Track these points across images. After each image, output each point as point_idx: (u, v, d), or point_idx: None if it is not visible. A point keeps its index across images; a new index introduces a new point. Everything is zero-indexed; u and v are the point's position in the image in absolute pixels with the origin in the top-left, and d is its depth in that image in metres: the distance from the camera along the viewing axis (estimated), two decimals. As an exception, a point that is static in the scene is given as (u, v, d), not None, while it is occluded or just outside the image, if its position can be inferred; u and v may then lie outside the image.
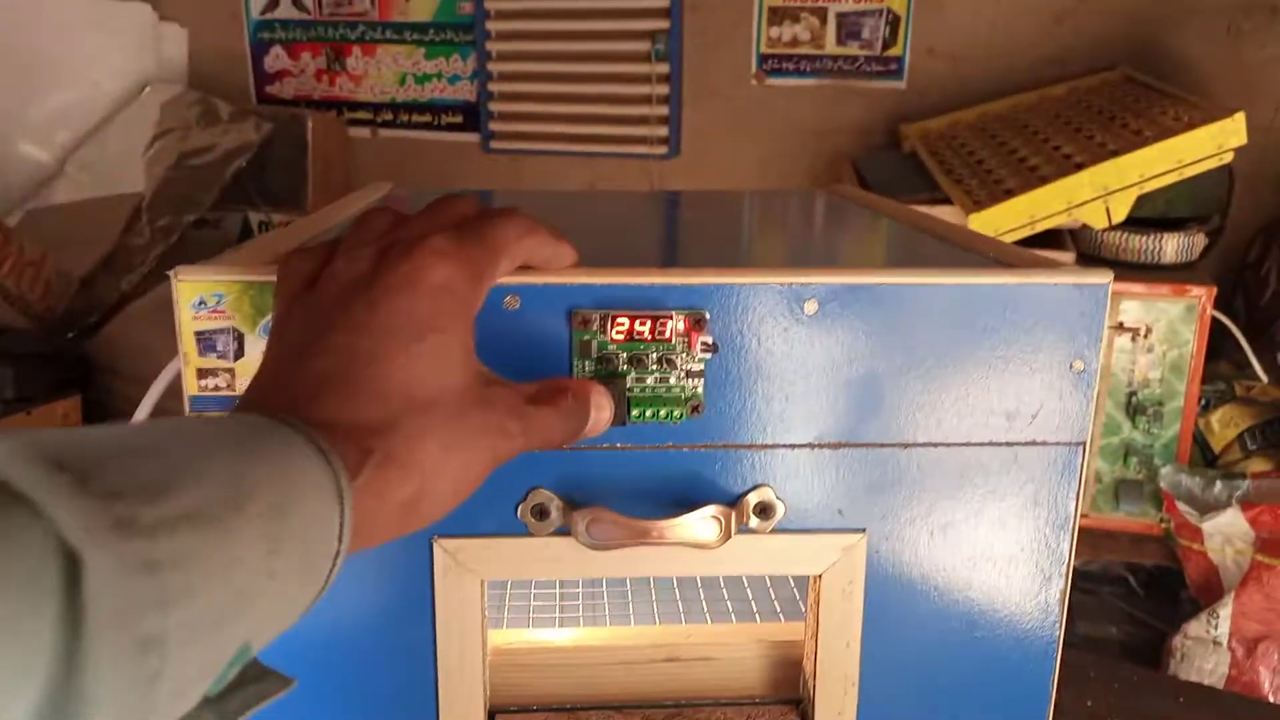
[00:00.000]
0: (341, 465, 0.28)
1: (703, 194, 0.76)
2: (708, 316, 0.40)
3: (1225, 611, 1.44)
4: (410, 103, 2.20)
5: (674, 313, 0.39)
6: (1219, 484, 1.53)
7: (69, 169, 2.20)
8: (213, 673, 0.24)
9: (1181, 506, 1.50)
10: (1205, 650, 1.47)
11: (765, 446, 0.41)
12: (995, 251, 0.46)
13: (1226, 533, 1.48)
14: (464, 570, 0.41)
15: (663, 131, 2.05)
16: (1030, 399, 0.41)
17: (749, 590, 0.58)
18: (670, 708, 0.46)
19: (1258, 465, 1.55)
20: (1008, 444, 0.42)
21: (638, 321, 0.39)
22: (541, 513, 0.41)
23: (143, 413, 0.44)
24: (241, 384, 0.39)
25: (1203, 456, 1.62)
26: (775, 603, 0.57)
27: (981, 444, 0.42)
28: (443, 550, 0.41)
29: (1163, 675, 0.73)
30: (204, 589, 0.23)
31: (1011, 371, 0.41)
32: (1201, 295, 1.50)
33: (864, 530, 0.43)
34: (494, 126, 2.15)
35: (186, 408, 0.39)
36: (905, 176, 1.74)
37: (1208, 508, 1.50)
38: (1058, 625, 0.44)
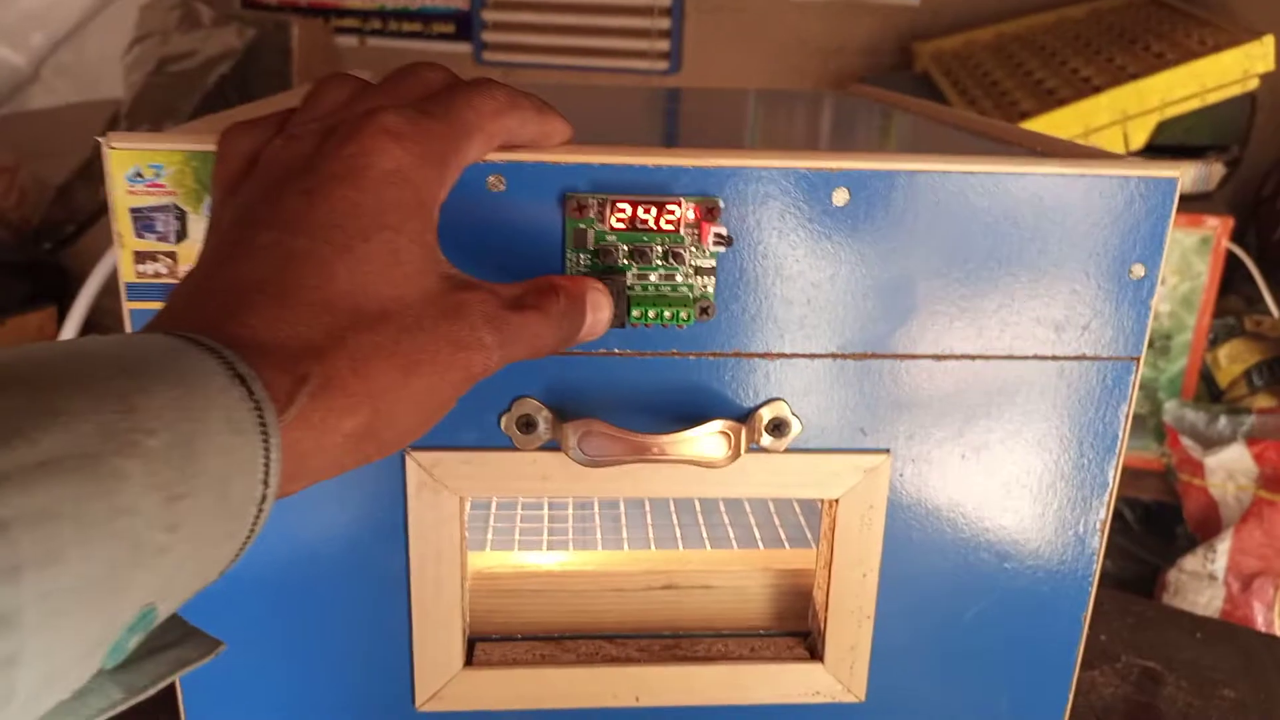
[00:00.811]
0: (267, 394, 0.23)
1: (711, 90, 0.70)
2: (721, 205, 0.34)
3: (1223, 546, 1.43)
4: (400, 10, 2.10)
5: (682, 199, 0.34)
6: (1224, 419, 1.50)
7: (44, 74, 2.11)
8: (102, 645, 0.20)
9: (1185, 441, 1.47)
10: (1200, 585, 1.46)
11: (782, 355, 0.37)
12: (1043, 145, 0.41)
13: (1230, 468, 1.45)
14: (440, 487, 0.37)
15: (663, 45, 1.97)
16: (1082, 308, 0.37)
17: (751, 514, 0.54)
18: (667, 638, 0.42)
19: (1263, 401, 1.52)
20: (1054, 358, 0.37)
21: (641, 208, 0.34)
22: (528, 424, 0.37)
23: (78, 313, 0.39)
24: (185, 270, 0.34)
25: (1208, 392, 1.59)
26: (780, 528, 0.53)
27: (1025, 357, 0.37)
28: (417, 465, 0.37)
29: (1177, 610, 0.70)
30: (77, 549, 0.18)
31: (1063, 277, 0.36)
32: (1217, 227, 1.45)
33: (888, 451, 0.38)
34: (487, 37, 2.06)
35: (123, 297, 0.34)
36: (917, 98, 1.67)
37: (1211, 443, 1.47)
38: (1095, 558, 0.40)
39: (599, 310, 0.33)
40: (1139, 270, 0.36)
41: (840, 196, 0.35)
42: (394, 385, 0.26)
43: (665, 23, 1.95)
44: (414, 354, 0.26)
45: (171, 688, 0.40)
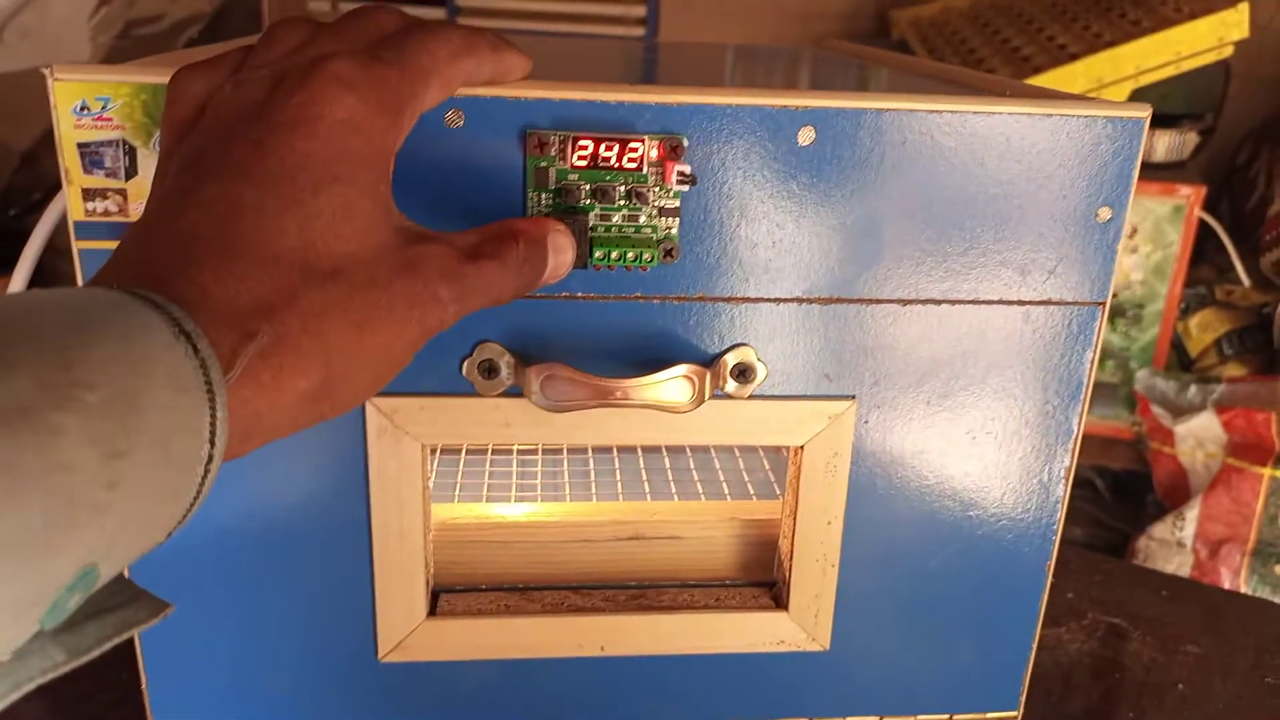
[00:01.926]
0: (212, 352, 0.22)
1: (683, 43, 0.69)
2: (685, 143, 0.34)
3: (1192, 514, 1.45)
4: (373, -26, 2.07)
5: (646, 137, 0.34)
6: (1194, 388, 1.52)
7: (7, 36, 2.06)
8: (39, 604, 0.19)
9: (1155, 409, 1.49)
10: (1169, 551, 1.48)
11: (747, 300, 0.36)
12: (1011, 89, 0.40)
13: (1199, 436, 1.47)
14: (401, 433, 0.36)
15: (640, 11, 1.95)
16: (1048, 252, 0.37)
17: (719, 466, 0.54)
18: (633, 588, 0.42)
19: (1233, 370, 1.54)
20: (1020, 302, 0.37)
21: (603, 145, 0.33)
22: (490, 370, 0.36)
23: (29, 256, 0.38)
24: (135, 208, 0.33)
25: (1179, 361, 1.60)
26: (748, 480, 0.53)
27: (990, 302, 0.37)
28: (377, 411, 0.36)
29: (1144, 569, 0.70)
30: (9, 502, 0.18)
31: (1029, 219, 0.36)
32: (1190, 195, 1.46)
33: (853, 397, 0.38)
34: (460, 2, 2.03)
35: (71, 237, 0.33)
36: (922, 58, 1.66)
37: (1181, 411, 1.49)
38: (1059, 506, 0.40)
39: (561, 253, 0.32)
40: (1105, 213, 0.36)
41: (806, 135, 0.34)
42: (347, 343, 0.25)
43: (642, -12, 1.93)
44: (367, 311, 0.26)
45: (131, 643, 0.39)
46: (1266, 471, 1.40)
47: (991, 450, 0.39)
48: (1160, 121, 1.52)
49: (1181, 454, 1.51)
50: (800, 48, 0.70)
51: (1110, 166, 0.35)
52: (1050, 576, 0.42)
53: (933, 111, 0.34)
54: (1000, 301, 0.37)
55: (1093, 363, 0.38)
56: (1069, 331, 0.38)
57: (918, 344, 0.37)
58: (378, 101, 0.27)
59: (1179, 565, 1.45)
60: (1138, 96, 1.48)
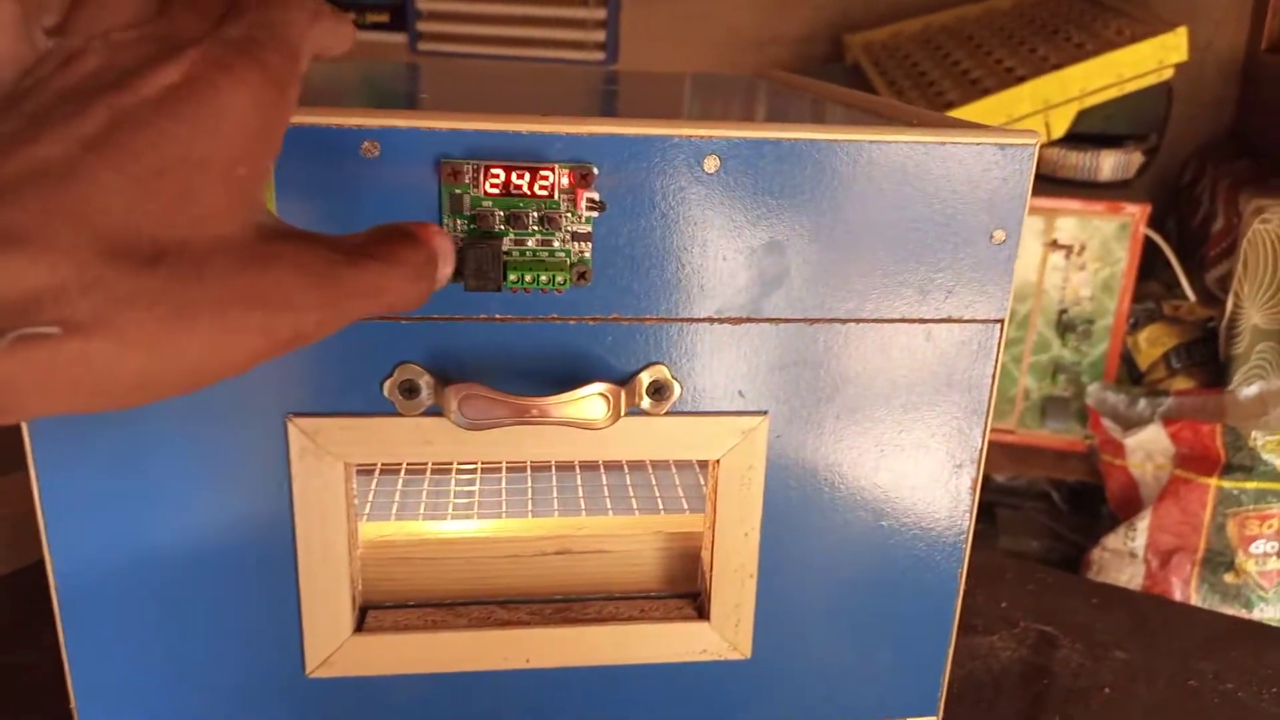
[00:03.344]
0: None
1: (629, 72, 0.71)
2: (595, 171, 0.35)
3: (1143, 525, 1.47)
4: (334, -2, 2.08)
5: (556, 165, 0.35)
6: (1143, 401, 1.55)
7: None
8: None
9: (1106, 423, 1.52)
10: (1121, 562, 1.50)
11: (660, 320, 0.38)
12: (917, 118, 0.42)
13: (1148, 448, 1.50)
14: (324, 453, 0.37)
15: (599, 36, 1.97)
16: (946, 272, 0.38)
17: (654, 483, 0.55)
18: (559, 602, 0.43)
19: (1181, 383, 1.57)
20: (920, 320, 0.39)
21: (514, 174, 0.35)
22: (410, 390, 0.37)
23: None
24: None
25: (1129, 374, 1.63)
26: (681, 495, 0.54)
27: (893, 320, 0.39)
28: (299, 430, 0.37)
29: (1077, 577, 0.72)
30: None
31: (928, 242, 0.38)
32: (1135, 214, 1.49)
33: (766, 413, 0.39)
34: (422, 27, 2.05)
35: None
36: (847, 88, 1.69)
37: (1131, 424, 1.52)
38: (968, 515, 0.42)
39: (447, 262, 0.30)
40: (1000, 235, 0.38)
41: (711, 164, 0.36)
42: (148, 338, 0.23)
43: (601, 13, 1.95)
44: (186, 306, 0.23)
45: (61, 667, 0.40)
46: (1213, 482, 1.43)
47: (900, 463, 0.41)
48: (1105, 142, 1.56)
49: (1132, 466, 1.54)
50: (731, 75, 0.72)
51: (1001, 191, 0.37)
52: (962, 583, 0.43)
53: (831, 141, 0.36)
54: (902, 320, 0.39)
55: (993, 378, 0.40)
56: (969, 349, 0.39)
57: (825, 361, 0.39)
58: (264, 84, 0.25)
59: (1131, 575, 1.48)
60: (1083, 117, 1.52)
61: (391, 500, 0.53)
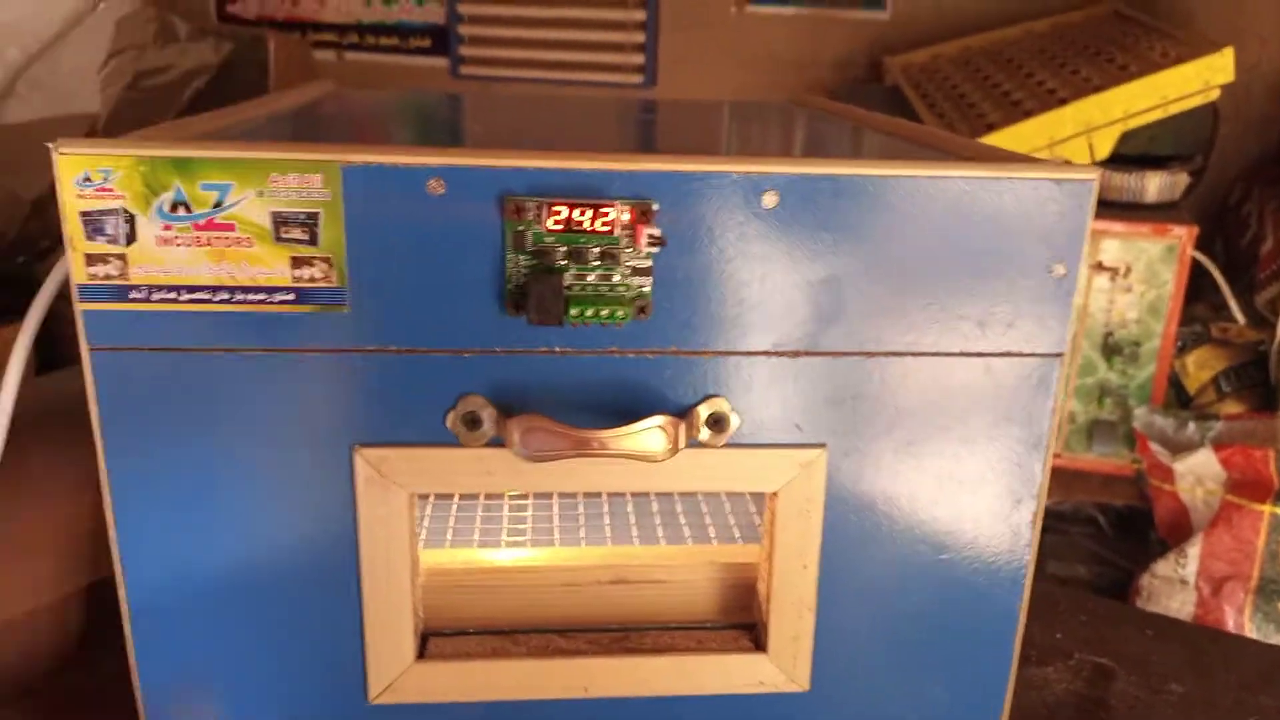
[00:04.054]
0: None
1: (667, 101, 0.72)
2: (655, 207, 0.36)
3: (1194, 551, 1.45)
4: (377, 25, 2.12)
5: (617, 202, 0.36)
6: (1192, 425, 1.52)
7: (20, 88, 2.10)
8: None
9: (1154, 447, 1.49)
10: (1172, 589, 1.47)
11: (719, 353, 0.38)
12: (972, 151, 0.42)
13: (1198, 473, 1.47)
14: (388, 483, 0.38)
15: (639, 59, 1.99)
16: (1005, 306, 0.38)
17: (706, 512, 0.55)
18: (615, 631, 0.43)
19: (1231, 407, 1.55)
20: (979, 354, 0.39)
21: (577, 210, 0.35)
22: (473, 421, 0.38)
23: (34, 316, 0.40)
24: (135, 272, 0.35)
25: (1177, 398, 1.61)
26: (733, 525, 0.54)
27: (951, 354, 0.39)
28: (364, 461, 0.38)
29: (1132, 608, 0.71)
30: None
31: (986, 276, 0.38)
32: (1182, 235, 1.47)
33: (824, 445, 0.40)
34: (464, 51, 2.08)
35: (75, 298, 0.35)
36: (887, 110, 1.69)
37: (1180, 448, 1.49)
38: (1028, 550, 0.42)
39: None
40: (1060, 269, 0.38)
41: (770, 199, 0.36)
42: None
43: (640, 37, 1.97)
44: None
45: (129, 684, 0.41)
46: (1266, 508, 1.41)
47: (960, 496, 0.41)
48: (1150, 163, 1.54)
49: (1182, 491, 1.52)
50: (774, 102, 0.72)
51: (1061, 226, 0.37)
52: (1023, 617, 0.43)
53: (889, 177, 0.36)
54: (961, 354, 0.39)
55: (1054, 412, 0.40)
56: (1029, 382, 0.39)
57: (883, 395, 0.39)
58: None
59: (1182, 603, 1.45)
60: (1127, 139, 1.50)
61: (445, 526, 0.53)
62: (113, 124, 1.93)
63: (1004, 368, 0.39)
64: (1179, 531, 1.50)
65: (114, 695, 0.51)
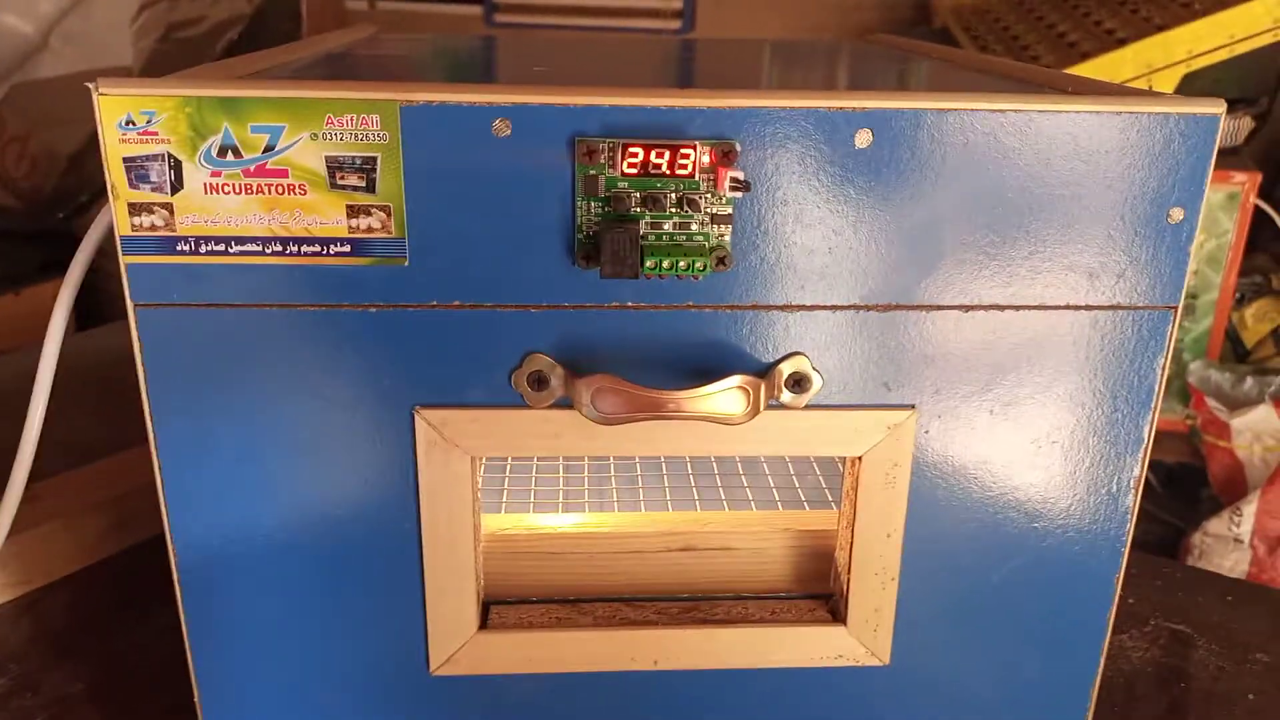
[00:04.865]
0: None
1: (726, 40, 0.68)
2: (738, 148, 0.33)
3: (1249, 509, 1.41)
4: (409, -28, 2.07)
5: (697, 143, 0.33)
6: (1249, 380, 1.48)
7: (53, 42, 2.09)
8: None
9: (1210, 402, 1.45)
10: (1225, 548, 1.44)
11: (802, 308, 0.35)
12: (1074, 85, 0.39)
13: (1256, 429, 1.43)
14: (451, 446, 0.36)
15: (676, 4, 1.93)
16: (1117, 255, 0.35)
17: (770, 475, 0.53)
18: (685, 600, 0.41)
19: (1292, 361, 1.50)
20: (1087, 308, 0.36)
21: (654, 152, 0.32)
22: (540, 381, 0.35)
23: (78, 267, 0.38)
24: (182, 222, 0.32)
25: (1234, 352, 1.56)
26: (799, 489, 0.51)
27: (1057, 307, 0.36)
28: (425, 423, 0.36)
29: (1206, 572, 0.68)
30: None
31: (1097, 221, 0.35)
32: (1245, 182, 1.42)
33: (913, 407, 0.37)
34: (498, -2, 2.03)
35: (119, 250, 0.33)
36: (969, 52, 1.63)
37: (1237, 404, 1.45)
38: (1129, 517, 0.39)
39: None
40: (1178, 214, 0.35)
41: (863, 138, 0.33)
42: None
43: (678, -19, 1.91)
44: None
45: (184, 656, 0.39)
46: (1328, 466, 1.37)
47: (1058, 460, 0.38)
48: (1213, 106, 1.48)
49: (1238, 448, 1.48)
50: (844, 41, 0.68)
51: (1183, 166, 0.34)
52: (1119, 588, 0.41)
53: (996, 111, 0.33)
54: (1067, 307, 0.36)
55: (1164, 369, 0.37)
56: (1139, 337, 0.36)
57: (980, 351, 0.36)
58: None
59: (1236, 562, 1.41)
60: (1189, 82, 1.44)
61: (499, 489, 0.51)
62: (146, 76, 1.91)
63: (1112, 321, 0.36)
64: (1234, 489, 1.46)
65: (164, 660, 0.50)
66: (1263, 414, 1.42)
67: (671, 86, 0.33)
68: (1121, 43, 1.43)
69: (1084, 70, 1.41)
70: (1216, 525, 1.42)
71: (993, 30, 1.64)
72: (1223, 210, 1.45)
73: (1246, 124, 1.48)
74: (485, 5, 2.05)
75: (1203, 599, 0.64)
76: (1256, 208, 1.42)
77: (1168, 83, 1.45)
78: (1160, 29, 1.42)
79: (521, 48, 0.60)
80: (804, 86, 0.35)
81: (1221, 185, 1.41)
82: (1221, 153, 1.54)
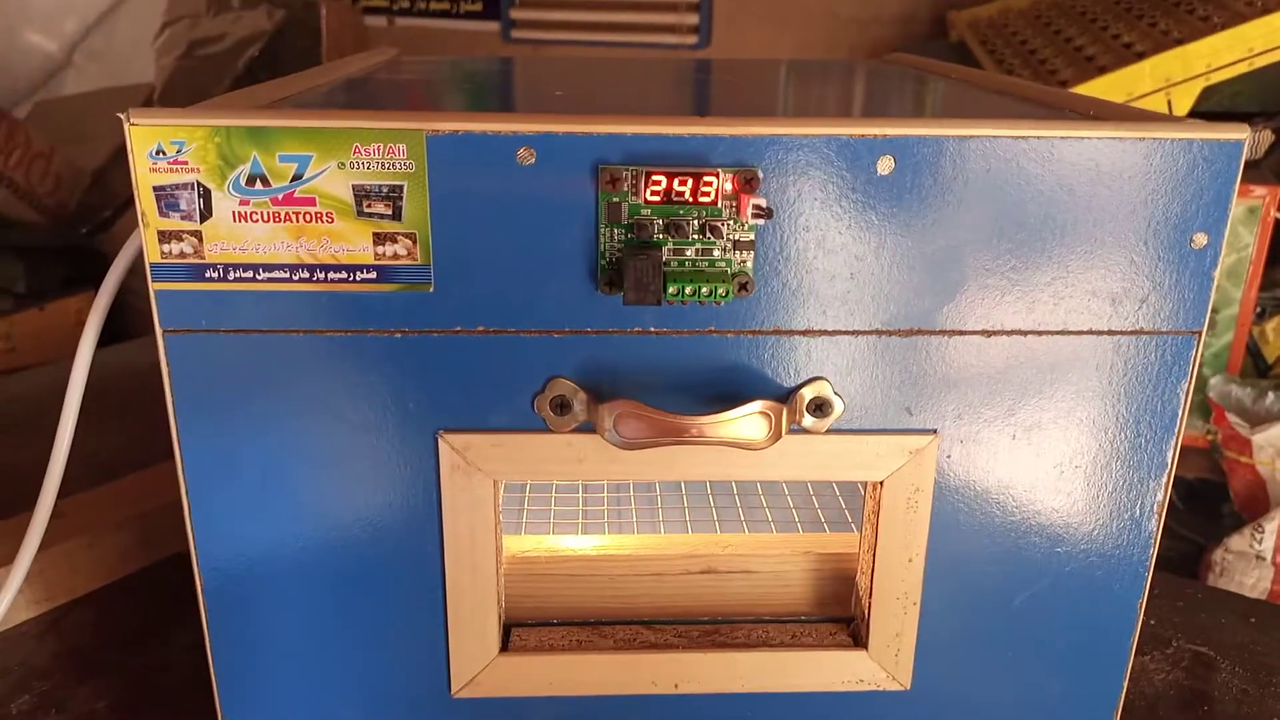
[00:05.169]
0: None
1: (744, 60, 0.69)
2: (760, 175, 0.33)
3: (1271, 526, 1.39)
4: (428, -11, 2.09)
5: (720, 170, 0.33)
6: (1271, 395, 1.46)
7: (77, 59, 2.12)
8: None
9: (1231, 418, 1.44)
10: (1247, 565, 1.42)
11: (824, 333, 0.35)
12: (1096, 109, 0.39)
13: (1278, 445, 1.42)
14: (474, 470, 0.36)
15: (693, 19, 1.94)
16: (1140, 280, 0.35)
17: (789, 498, 0.53)
18: (706, 624, 0.41)
19: (1314, 377, 1.48)
20: (1110, 332, 0.36)
21: (677, 180, 0.33)
22: (562, 406, 0.35)
23: (105, 294, 0.38)
24: (211, 249, 0.33)
25: (1255, 367, 1.55)
26: (820, 511, 0.51)
27: (1079, 332, 0.36)
28: (449, 447, 0.36)
29: (1229, 593, 0.68)
30: None
31: (1120, 247, 0.35)
32: (1265, 196, 1.41)
33: (935, 431, 0.37)
34: (515, 14, 2.04)
35: (149, 278, 0.33)
36: (988, 73, 1.63)
37: (1259, 419, 1.44)
38: (1151, 541, 0.39)
39: None
40: (1201, 239, 0.35)
41: (885, 165, 0.33)
42: None
43: (695, -4, 1.92)
44: None
45: (207, 675, 0.40)
46: (1351, 482, 1.35)
47: (1080, 485, 0.38)
48: (1232, 120, 1.47)
49: (1260, 464, 1.46)
50: (863, 61, 0.69)
51: (1207, 191, 0.34)
52: (1142, 613, 0.40)
53: (1018, 138, 0.33)
54: (1090, 332, 0.36)
55: (1187, 393, 0.37)
56: (1162, 362, 0.36)
57: (1002, 376, 0.36)
58: None
59: (1258, 579, 1.40)
60: (1208, 95, 1.43)
61: (519, 510, 0.51)
62: (168, 93, 1.93)
63: (1136, 346, 0.36)
64: (1256, 505, 1.45)
65: (187, 674, 0.50)
66: (1284, 430, 1.40)
67: (693, 113, 0.33)
68: (1140, 56, 1.43)
69: (1102, 84, 1.41)
70: (1238, 542, 1.41)
71: (1010, 45, 1.64)
72: (1243, 224, 1.44)
73: (1266, 138, 1.47)
74: (502, 23, 2.06)
75: (1225, 620, 0.63)
76: (1277, 221, 1.41)
77: (1187, 96, 1.44)
78: (1179, 42, 1.42)
79: (540, 70, 0.60)
80: (825, 111, 0.35)
81: (1242, 199, 1.41)
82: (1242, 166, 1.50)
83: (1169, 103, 1.46)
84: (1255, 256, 1.42)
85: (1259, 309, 1.50)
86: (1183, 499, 1.59)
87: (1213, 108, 1.45)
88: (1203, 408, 1.50)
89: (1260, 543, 1.40)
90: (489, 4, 2.06)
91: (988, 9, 1.75)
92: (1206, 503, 1.55)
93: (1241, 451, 1.44)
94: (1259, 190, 1.38)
